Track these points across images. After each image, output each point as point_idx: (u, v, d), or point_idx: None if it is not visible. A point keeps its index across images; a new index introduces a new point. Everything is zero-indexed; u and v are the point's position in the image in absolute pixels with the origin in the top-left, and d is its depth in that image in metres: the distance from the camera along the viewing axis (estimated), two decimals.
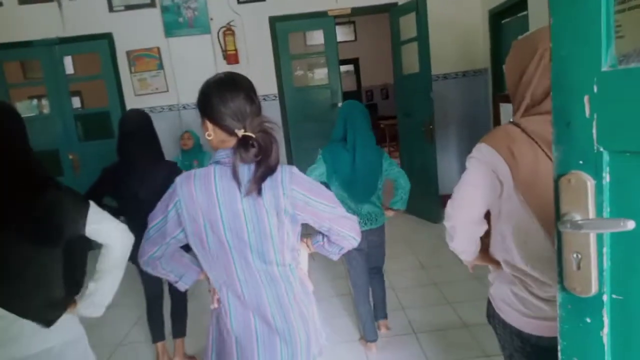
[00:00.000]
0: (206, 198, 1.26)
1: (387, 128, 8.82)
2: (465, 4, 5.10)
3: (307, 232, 1.47)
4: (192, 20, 4.97)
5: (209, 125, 1.32)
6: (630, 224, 0.74)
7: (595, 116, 0.79)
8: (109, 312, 1.64)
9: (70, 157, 5.21)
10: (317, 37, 5.80)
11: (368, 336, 2.79)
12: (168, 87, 5.10)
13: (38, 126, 5.21)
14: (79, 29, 4.97)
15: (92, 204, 1.51)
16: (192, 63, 4.99)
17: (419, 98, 4.76)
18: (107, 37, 5.03)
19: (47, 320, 1.41)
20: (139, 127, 2.51)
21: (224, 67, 5.09)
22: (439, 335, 2.91)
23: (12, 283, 1.36)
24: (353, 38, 10.83)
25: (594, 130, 0.79)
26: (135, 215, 2.05)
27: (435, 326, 3.01)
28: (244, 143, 1.23)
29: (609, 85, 0.77)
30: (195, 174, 1.30)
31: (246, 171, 1.26)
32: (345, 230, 1.39)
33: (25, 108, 5.49)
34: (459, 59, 5.18)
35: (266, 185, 1.27)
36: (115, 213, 2.48)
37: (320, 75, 5.53)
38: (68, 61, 5.70)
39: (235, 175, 1.25)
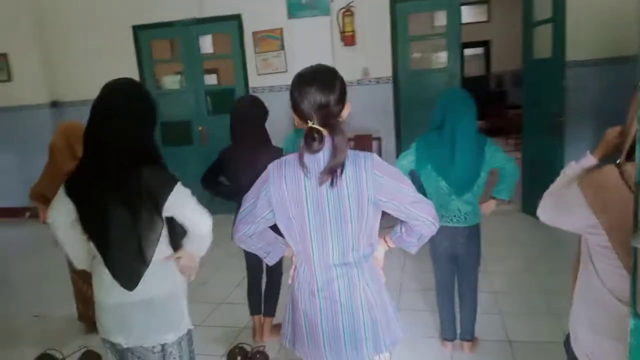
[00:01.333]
0: (294, 183, 1.37)
1: (513, 118, 8.14)
2: None
3: (388, 224, 1.46)
4: (313, 1, 5.07)
5: (293, 112, 1.41)
6: None
7: None
8: (214, 273, 1.78)
9: (200, 129, 5.74)
10: (442, 19, 5.52)
11: (444, 333, 2.67)
12: (287, 67, 5.31)
13: (175, 99, 5.84)
14: (213, 10, 5.39)
15: (177, 187, 1.58)
16: (310, 44, 5.10)
17: (549, 86, 4.29)
18: (237, 19, 5.38)
19: (132, 282, 1.58)
20: (247, 114, 2.63)
21: (341, 49, 5.14)
22: (536, 348, 2.66)
23: (116, 246, 1.55)
24: (486, 19, 10.12)
25: None
26: (237, 197, 2.18)
27: (534, 337, 2.75)
28: (309, 134, 1.30)
29: None
30: (286, 161, 1.41)
31: (321, 159, 1.33)
32: (423, 214, 1.40)
33: (170, 82, 6.16)
34: (601, 43, 4.52)
35: (349, 171, 1.33)
36: (230, 193, 2.68)
37: (442, 58, 5.27)
38: (207, 41, 6.24)
39: (302, 163, 1.34)
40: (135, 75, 5.76)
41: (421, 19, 5.31)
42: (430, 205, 1.43)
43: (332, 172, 1.31)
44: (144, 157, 1.55)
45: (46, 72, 5.93)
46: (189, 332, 1.74)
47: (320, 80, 1.37)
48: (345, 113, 1.41)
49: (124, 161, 1.52)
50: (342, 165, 1.32)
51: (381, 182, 1.34)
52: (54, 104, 6.02)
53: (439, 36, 5.24)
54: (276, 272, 2.83)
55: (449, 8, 4.97)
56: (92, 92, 6.16)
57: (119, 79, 1.65)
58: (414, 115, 5.13)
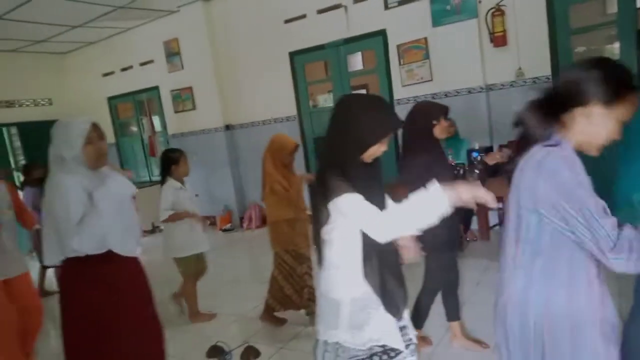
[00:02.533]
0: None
1: None
2: None
3: None
4: (459, 6, 4.90)
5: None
6: None
7: None
8: None
9: None
10: (612, 5, 4.81)
11: None
12: (432, 75, 5.21)
13: (326, 116, 6.19)
14: (359, 28, 5.61)
15: (347, 195, 1.53)
16: (457, 49, 4.94)
17: None
18: (382, 34, 5.50)
19: None
20: (408, 120, 2.59)
21: (490, 51, 4.86)
22: None
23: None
24: None
25: None
26: None
27: None
28: None
29: None
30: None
31: None
32: None
33: (323, 100, 6.58)
34: None
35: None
36: None
37: (613, 50, 4.57)
38: (355, 58, 6.50)
39: None
40: (291, 96, 6.31)
41: (585, 8, 4.68)
42: None
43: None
44: None
45: (220, 101, 6.88)
46: None
47: None
48: None
49: None
50: None
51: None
52: (228, 127, 6.94)
53: (608, 25, 4.55)
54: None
55: None
56: (256, 115, 7.08)
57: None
58: None
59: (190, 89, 7.02)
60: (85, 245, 1.89)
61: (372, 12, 5.47)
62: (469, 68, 4.91)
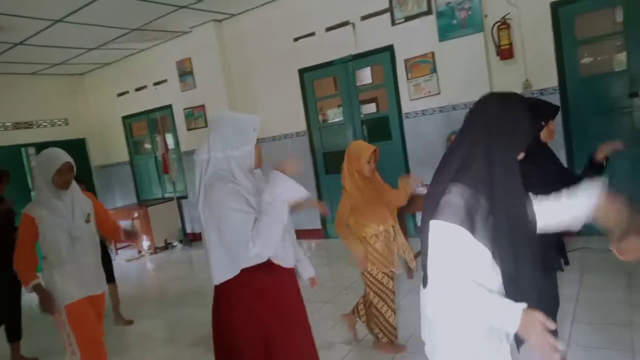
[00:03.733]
0: None
1: None
2: None
3: None
4: (465, 20, 4.98)
5: None
6: None
7: None
8: None
9: None
10: (618, 15, 4.82)
11: None
12: (440, 89, 5.26)
13: (337, 130, 6.28)
14: (367, 44, 5.71)
15: (447, 225, 1.36)
16: (464, 63, 5.00)
17: None
18: (389, 49, 5.58)
19: None
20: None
21: (497, 64, 4.90)
22: None
23: None
24: None
25: None
26: None
27: None
28: None
29: None
30: None
31: None
32: None
33: (333, 115, 6.67)
34: None
35: None
36: None
37: (621, 58, 4.57)
38: (364, 73, 6.58)
39: None
40: (300, 112, 6.40)
41: (590, 19, 4.72)
42: None
43: None
44: None
45: None
46: None
47: None
48: None
49: None
50: None
51: None
52: None
53: (615, 35, 4.58)
54: None
55: (627, 2, 4.33)
56: (267, 131, 7.16)
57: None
58: (587, 125, 4.55)
59: (202, 106, 7.16)
60: (266, 250, 1.76)
61: (379, 28, 5.57)
62: (476, 81, 4.96)
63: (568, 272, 3.02)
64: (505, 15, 4.80)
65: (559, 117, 4.67)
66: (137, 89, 8.10)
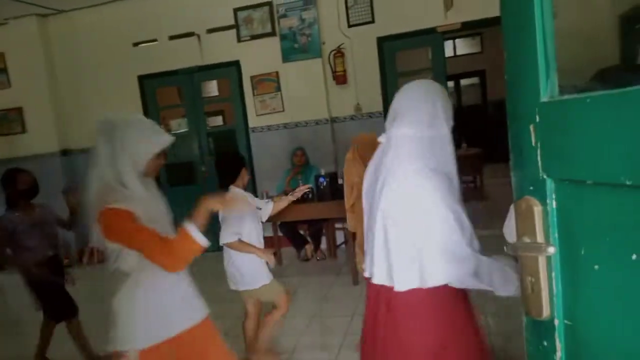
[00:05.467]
0: None
1: None
2: None
3: None
4: (306, 45, 5.40)
5: None
6: (551, 250, 0.76)
7: (539, 145, 0.82)
8: None
9: (203, 169, 5.99)
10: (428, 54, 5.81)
11: None
12: (284, 107, 5.59)
13: (181, 142, 6.13)
14: (213, 58, 5.74)
15: None
16: (305, 84, 5.41)
17: None
18: (235, 64, 5.72)
19: None
20: None
21: (333, 87, 5.42)
22: None
23: None
24: (479, 50, 10.46)
25: (539, 158, 0.82)
26: None
27: None
28: None
29: (549, 115, 0.80)
30: None
31: None
32: None
33: (177, 125, 6.47)
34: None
35: None
36: None
37: None
38: (211, 85, 6.57)
39: None
40: None
41: (408, 55, 5.59)
42: None
43: None
44: None
45: (58, 123, 6.28)
46: None
47: None
48: None
49: None
50: None
51: None
52: (65, 153, 6.35)
53: (425, 71, 5.51)
54: None
55: (433, 44, 5.26)
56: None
57: None
58: None
59: (19, 109, 6.27)
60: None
61: (225, 43, 5.66)
62: (316, 101, 5.41)
63: None
64: (340, 45, 5.35)
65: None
66: None
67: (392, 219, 1.50)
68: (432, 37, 5.17)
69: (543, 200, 0.83)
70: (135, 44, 5.95)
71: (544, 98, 0.80)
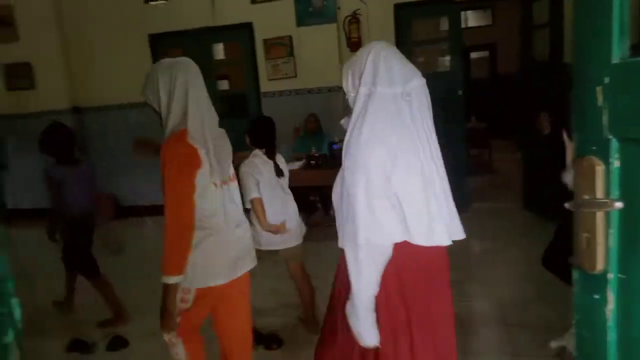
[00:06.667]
0: None
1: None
2: None
3: None
4: (320, 9, 5.31)
5: None
6: (618, 204, 0.80)
7: (606, 106, 0.85)
8: None
9: None
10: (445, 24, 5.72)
11: None
12: (297, 72, 5.55)
13: None
14: (225, 19, 5.65)
15: None
16: (318, 50, 5.35)
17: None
18: (248, 27, 5.63)
19: None
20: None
21: (347, 54, 5.36)
22: (530, 330, 2.85)
23: None
24: (490, 22, 10.29)
25: (605, 119, 0.85)
26: None
27: (527, 321, 2.94)
28: None
29: (619, 76, 0.82)
30: None
31: None
32: None
33: None
34: None
35: None
36: None
37: (445, 62, 5.47)
38: (218, 48, 6.49)
39: None
40: None
41: (424, 24, 5.51)
42: None
43: None
44: None
45: (68, 79, 6.23)
46: None
47: None
48: None
49: None
50: None
51: None
52: (76, 110, 6.32)
53: (442, 41, 5.45)
54: None
55: (450, 14, 5.17)
56: (111, 98, 6.55)
57: None
58: None
59: (28, 64, 6.20)
60: None
61: (239, 4, 5.56)
62: (329, 68, 5.36)
63: None
64: (356, 10, 5.27)
65: None
66: None
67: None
68: (449, 6, 5.08)
69: (605, 160, 0.86)
70: (146, 1, 5.84)
71: (615, 60, 0.82)
